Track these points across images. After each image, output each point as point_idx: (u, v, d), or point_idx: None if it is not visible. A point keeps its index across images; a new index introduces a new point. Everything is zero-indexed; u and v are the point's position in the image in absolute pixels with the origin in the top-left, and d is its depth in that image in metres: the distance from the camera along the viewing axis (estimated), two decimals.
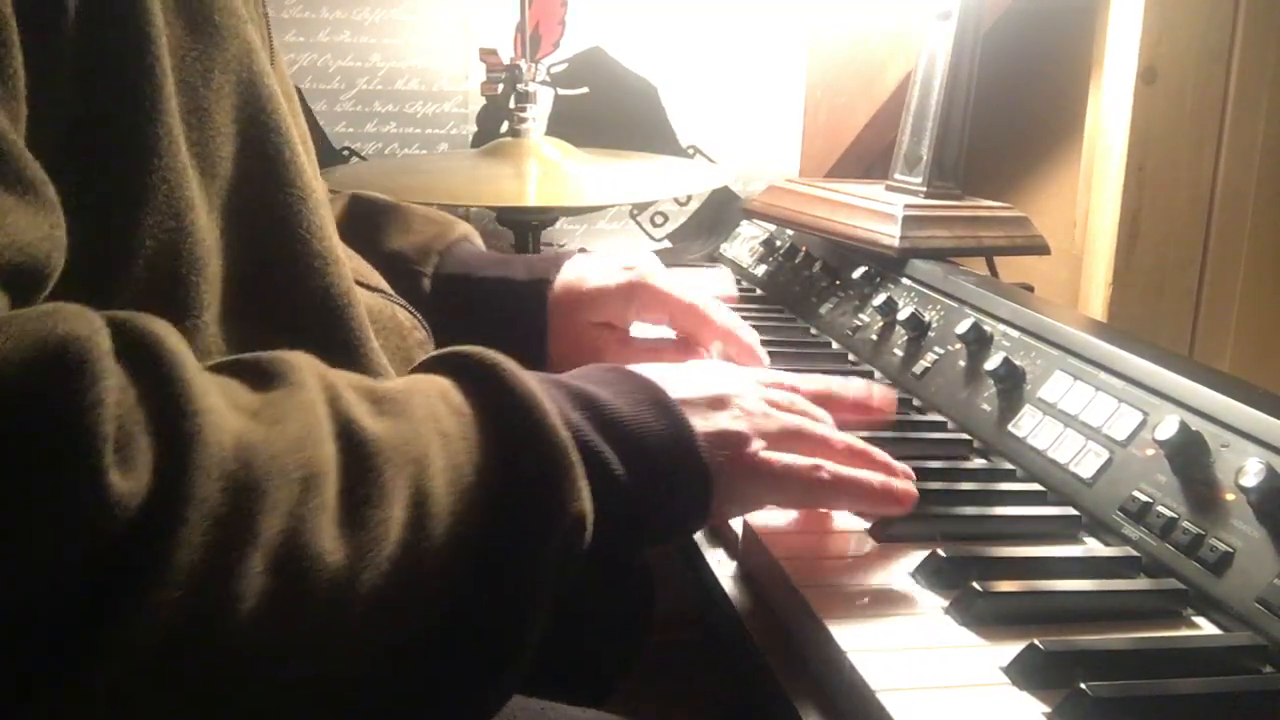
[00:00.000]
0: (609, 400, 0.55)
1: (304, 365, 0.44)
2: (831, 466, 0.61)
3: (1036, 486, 0.72)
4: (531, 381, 0.51)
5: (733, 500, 0.60)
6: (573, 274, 0.86)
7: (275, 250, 0.54)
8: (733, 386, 0.62)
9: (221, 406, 0.38)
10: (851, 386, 0.76)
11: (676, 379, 0.60)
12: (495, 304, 0.85)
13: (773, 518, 0.66)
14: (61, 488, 0.33)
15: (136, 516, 0.34)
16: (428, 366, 0.53)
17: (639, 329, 0.87)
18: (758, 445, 0.60)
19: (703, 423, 0.58)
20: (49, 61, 0.41)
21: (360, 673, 0.44)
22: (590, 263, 0.88)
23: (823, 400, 0.70)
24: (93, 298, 0.38)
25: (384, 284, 0.77)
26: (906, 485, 0.64)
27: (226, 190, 0.51)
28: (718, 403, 0.60)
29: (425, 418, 0.46)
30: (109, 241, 0.42)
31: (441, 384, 0.50)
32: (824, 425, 0.66)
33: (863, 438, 0.77)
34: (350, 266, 0.61)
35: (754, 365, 0.82)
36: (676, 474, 0.56)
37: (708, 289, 0.90)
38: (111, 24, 0.43)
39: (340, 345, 0.56)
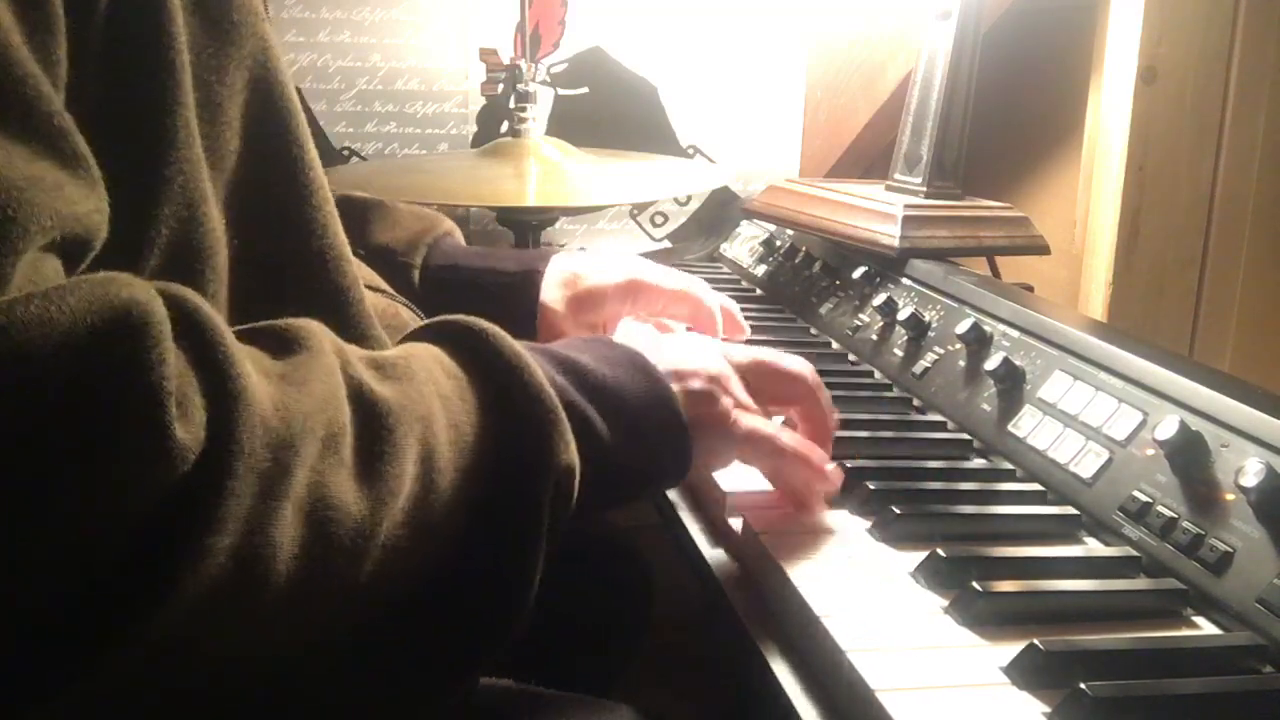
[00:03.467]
0: (591, 364, 0.58)
1: (318, 332, 0.47)
2: (787, 439, 0.66)
3: (1036, 486, 0.72)
4: (518, 346, 0.54)
5: (709, 455, 0.64)
6: (568, 271, 0.89)
7: (280, 244, 0.55)
8: (706, 354, 0.67)
9: (253, 371, 0.41)
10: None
11: (656, 346, 0.64)
12: (486, 294, 0.87)
13: (773, 517, 0.66)
14: (132, 438, 0.35)
15: (194, 468, 0.36)
16: (420, 335, 0.56)
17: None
18: (727, 404, 0.64)
19: (679, 384, 0.62)
20: (79, 51, 0.42)
21: (376, 616, 0.47)
22: (584, 261, 0.90)
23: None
24: None
25: (384, 284, 0.77)
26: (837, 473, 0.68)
27: (232, 183, 0.52)
28: (693, 368, 0.64)
29: (426, 380, 0.50)
30: (126, 229, 0.44)
31: (434, 351, 0.53)
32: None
33: (863, 436, 0.79)
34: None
35: (739, 335, 0.91)
36: (658, 431, 0.60)
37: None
38: (135, 18, 0.45)
39: (346, 340, 0.57)
